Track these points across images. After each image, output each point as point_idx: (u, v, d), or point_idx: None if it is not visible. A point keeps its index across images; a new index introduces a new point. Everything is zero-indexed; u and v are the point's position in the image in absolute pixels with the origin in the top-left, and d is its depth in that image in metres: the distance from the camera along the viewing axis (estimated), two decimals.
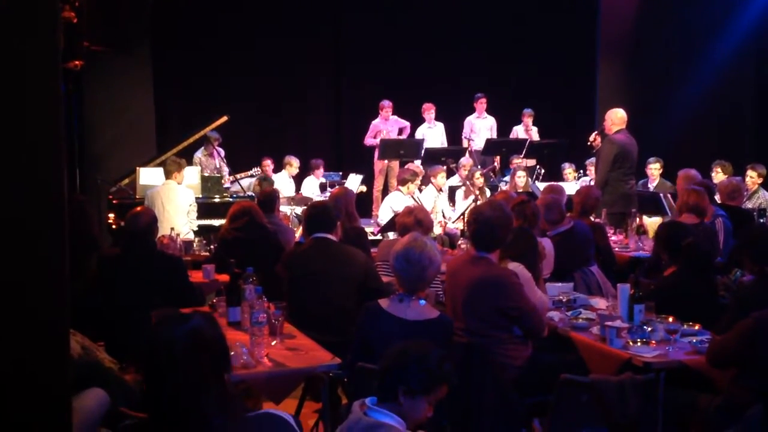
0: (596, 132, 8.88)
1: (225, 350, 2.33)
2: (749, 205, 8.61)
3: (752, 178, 9.06)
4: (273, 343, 4.25)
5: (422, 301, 3.99)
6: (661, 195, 9.10)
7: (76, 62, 9.02)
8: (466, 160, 11.03)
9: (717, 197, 8.04)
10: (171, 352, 2.20)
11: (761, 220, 7.79)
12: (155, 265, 5.34)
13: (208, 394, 2.18)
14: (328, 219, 5.22)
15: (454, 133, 12.77)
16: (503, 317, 4.36)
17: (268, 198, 7.40)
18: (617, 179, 8.49)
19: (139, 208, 5.83)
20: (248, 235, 6.46)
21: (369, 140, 12.20)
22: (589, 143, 8.69)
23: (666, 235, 5.14)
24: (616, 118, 8.64)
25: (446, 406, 3.77)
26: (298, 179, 12.02)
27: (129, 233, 5.48)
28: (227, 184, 10.42)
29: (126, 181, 9.67)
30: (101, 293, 5.31)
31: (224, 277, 5.98)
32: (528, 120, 12.73)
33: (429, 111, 12.39)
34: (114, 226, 8.97)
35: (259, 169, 11.52)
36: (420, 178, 9.88)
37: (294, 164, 11.81)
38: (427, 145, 11.96)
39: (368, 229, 7.73)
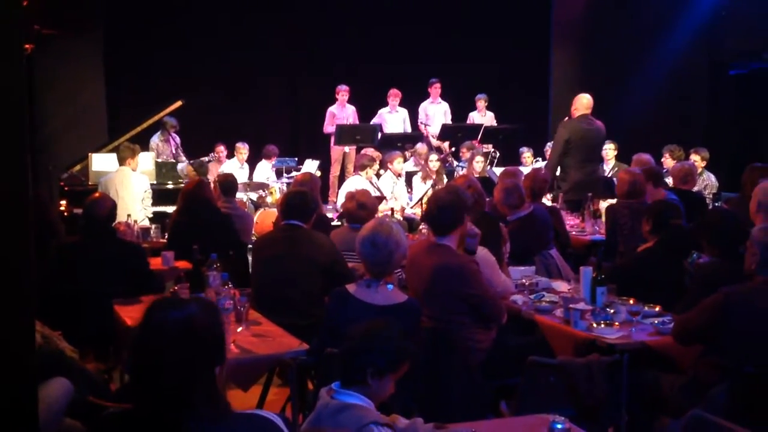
0: None
1: (219, 343, 2.22)
2: (695, 187, 8.76)
3: (696, 161, 9.22)
4: (239, 330, 4.23)
5: (390, 286, 3.99)
6: (614, 179, 9.23)
7: (27, 46, 8.82)
8: (420, 146, 11.05)
9: (670, 181, 8.18)
10: (161, 337, 2.12)
11: (716, 204, 7.93)
12: (116, 252, 5.27)
13: (196, 386, 2.11)
14: (304, 207, 5.19)
15: (412, 119, 12.78)
16: (464, 304, 4.38)
17: (227, 183, 7.35)
18: (570, 166, 8.47)
19: (97, 195, 5.75)
20: (192, 219, 6.44)
21: (328, 128, 12.14)
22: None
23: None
24: (579, 103, 8.61)
25: (414, 389, 3.81)
26: (251, 165, 11.93)
27: (88, 220, 5.39)
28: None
29: (78, 167, 9.51)
30: (61, 281, 5.22)
31: (183, 264, 5.94)
32: (482, 105, 12.79)
33: (393, 97, 12.36)
34: (66, 214, 8.82)
35: (214, 154, 11.42)
36: (378, 163, 9.89)
37: (243, 151, 11.71)
38: (387, 130, 11.95)
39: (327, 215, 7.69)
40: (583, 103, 8.59)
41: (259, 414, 2.22)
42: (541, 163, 11.33)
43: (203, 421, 2.11)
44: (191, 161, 10.17)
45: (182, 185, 9.24)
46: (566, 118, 8.80)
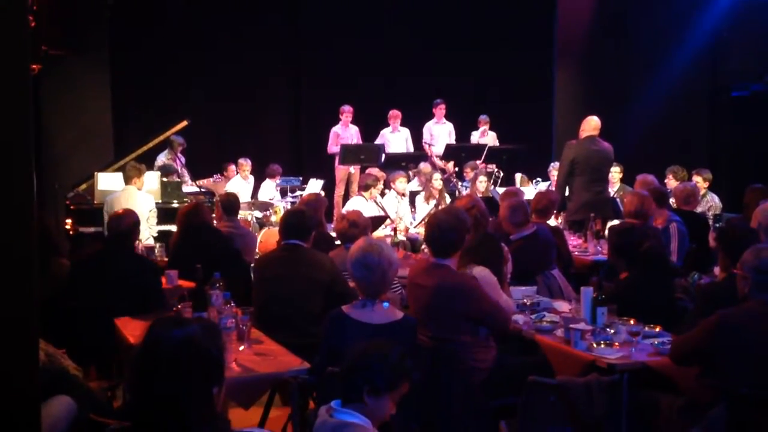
0: None
1: (217, 363, 2.24)
2: (698, 209, 8.76)
3: (698, 183, 9.22)
4: (241, 349, 4.25)
5: (385, 304, 3.99)
6: (618, 199, 9.26)
7: (34, 66, 8.91)
8: (424, 166, 11.10)
9: (672, 202, 8.19)
10: (159, 354, 2.15)
11: (717, 225, 7.93)
12: (137, 268, 5.35)
13: (192, 405, 2.12)
14: (303, 227, 5.25)
15: (414, 139, 12.83)
16: (467, 322, 4.39)
17: (229, 203, 7.39)
18: (577, 186, 8.50)
19: (120, 211, 5.83)
20: (190, 241, 6.48)
21: (332, 148, 12.17)
22: None
23: (621, 241, 5.17)
24: (587, 125, 8.65)
25: (415, 409, 3.81)
26: (255, 182, 11.98)
27: (112, 235, 5.45)
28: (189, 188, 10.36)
29: (84, 186, 9.56)
30: (75, 297, 5.26)
31: (186, 283, 5.97)
32: (484, 126, 12.84)
33: (395, 118, 12.42)
34: (71, 232, 8.86)
35: (220, 175, 11.47)
36: (382, 182, 9.92)
37: (246, 167, 11.75)
38: (390, 150, 12.00)
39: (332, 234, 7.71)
40: (591, 124, 8.62)
41: None
42: (543, 185, 11.36)
43: None
44: (159, 166, 10.27)
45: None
46: (574, 140, 8.85)
